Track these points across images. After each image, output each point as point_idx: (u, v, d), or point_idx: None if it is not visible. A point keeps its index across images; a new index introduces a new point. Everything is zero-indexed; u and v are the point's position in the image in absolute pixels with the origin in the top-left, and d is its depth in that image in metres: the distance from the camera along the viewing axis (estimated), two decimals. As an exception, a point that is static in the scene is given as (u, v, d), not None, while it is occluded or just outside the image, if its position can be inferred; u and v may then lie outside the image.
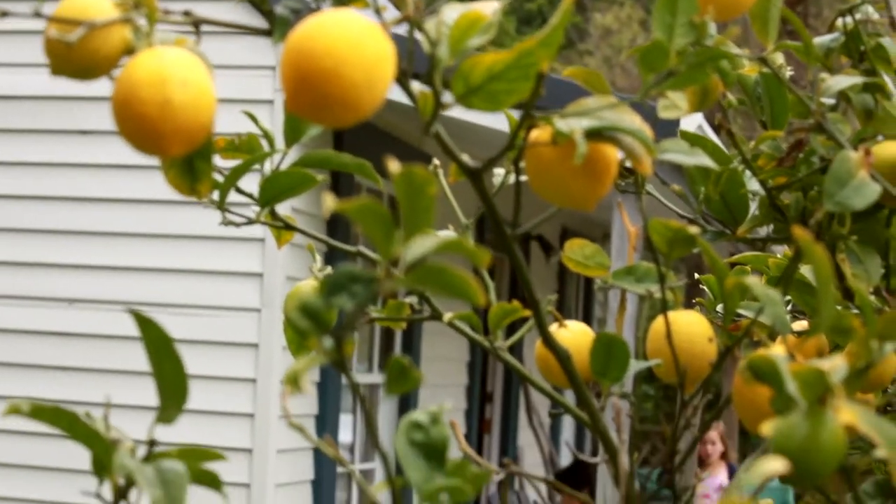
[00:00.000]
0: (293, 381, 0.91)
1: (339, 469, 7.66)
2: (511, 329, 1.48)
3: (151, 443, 1.03)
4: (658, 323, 1.42)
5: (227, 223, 1.46)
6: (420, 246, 0.92)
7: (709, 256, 1.31)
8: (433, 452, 1.04)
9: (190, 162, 1.26)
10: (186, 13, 1.13)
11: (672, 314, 1.39)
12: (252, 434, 6.92)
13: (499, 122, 6.75)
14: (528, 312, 1.34)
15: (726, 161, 1.50)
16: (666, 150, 1.22)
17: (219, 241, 6.97)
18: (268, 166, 1.45)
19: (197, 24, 1.14)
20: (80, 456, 1.48)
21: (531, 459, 11.65)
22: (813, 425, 0.94)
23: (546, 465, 10.84)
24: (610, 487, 6.02)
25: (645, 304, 1.44)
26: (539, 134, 1.15)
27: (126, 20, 1.12)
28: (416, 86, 1.12)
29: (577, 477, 7.88)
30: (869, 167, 1.29)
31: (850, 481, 1.17)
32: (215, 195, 1.41)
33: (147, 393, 5.02)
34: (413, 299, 1.52)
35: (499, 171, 1.47)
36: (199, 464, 1.08)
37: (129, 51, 1.12)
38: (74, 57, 1.11)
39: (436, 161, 1.49)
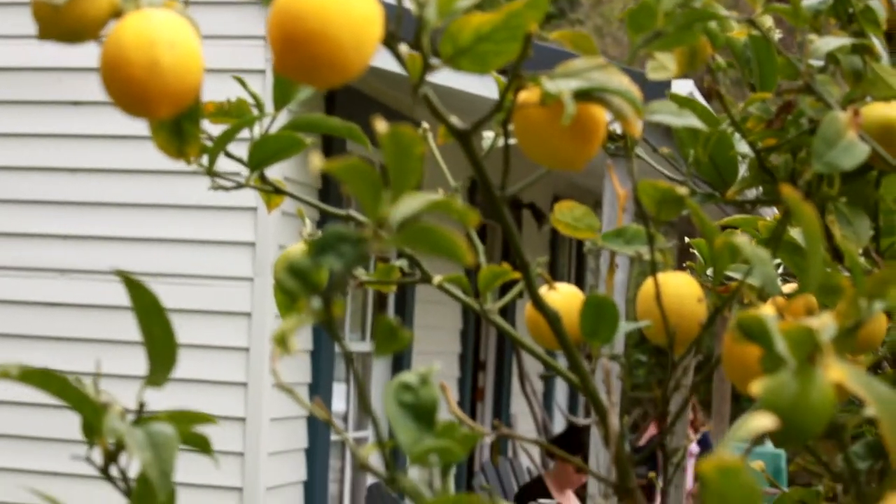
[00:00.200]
0: (281, 342, 0.91)
1: (333, 437, 7.67)
2: (502, 294, 1.48)
3: (140, 406, 1.03)
4: (647, 284, 1.42)
5: (216, 188, 1.46)
6: (408, 206, 0.92)
7: (697, 217, 1.31)
8: (422, 414, 1.04)
9: (178, 124, 1.26)
10: (173, -23, 1.13)
11: (661, 276, 1.39)
12: (245, 403, 6.94)
13: (487, 88, 6.74)
14: (518, 275, 1.34)
15: (715, 123, 1.50)
16: (655, 112, 1.22)
17: (211, 211, 6.98)
18: (257, 131, 1.45)
19: (184, -11, 1.14)
20: (70, 425, 1.48)
21: (524, 426, 11.68)
22: (802, 383, 0.94)
23: (539, 433, 10.86)
24: (602, 451, 6.03)
25: (634, 267, 1.44)
26: (527, 95, 1.15)
27: (113, -17, 1.12)
28: (404, 49, 1.12)
29: (571, 443, 7.90)
30: (857, 128, 1.29)
31: (840, 441, 1.17)
32: (205, 160, 1.40)
33: (139, 362, 5.03)
34: (404, 263, 1.52)
35: (488, 135, 1.47)
36: (189, 427, 1.08)
37: (117, 14, 1.12)
38: (62, 20, 1.11)
39: (425, 124, 1.49)
